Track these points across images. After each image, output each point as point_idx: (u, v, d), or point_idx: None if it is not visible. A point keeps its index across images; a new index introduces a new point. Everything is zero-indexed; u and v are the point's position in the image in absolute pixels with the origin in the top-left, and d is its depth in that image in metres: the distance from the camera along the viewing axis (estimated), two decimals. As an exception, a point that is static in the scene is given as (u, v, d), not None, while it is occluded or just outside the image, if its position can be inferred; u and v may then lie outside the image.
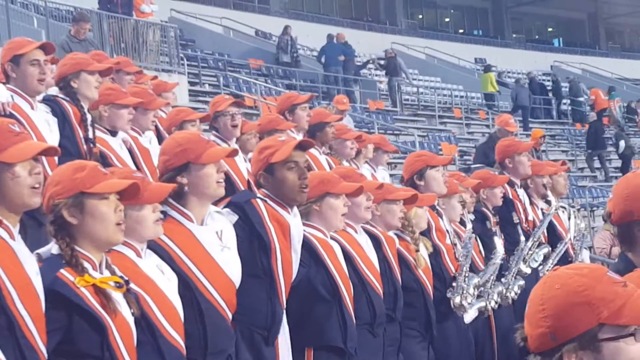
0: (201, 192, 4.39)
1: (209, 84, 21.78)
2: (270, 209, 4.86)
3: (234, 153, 4.84)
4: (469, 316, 6.71)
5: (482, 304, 6.84)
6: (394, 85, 26.83)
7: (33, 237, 3.79)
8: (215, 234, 4.45)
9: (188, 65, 21.18)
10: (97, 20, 17.28)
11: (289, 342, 5.08)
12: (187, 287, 4.25)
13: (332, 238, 5.41)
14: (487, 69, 31.25)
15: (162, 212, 4.21)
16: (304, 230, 5.19)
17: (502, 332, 7.31)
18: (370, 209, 5.70)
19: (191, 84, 20.49)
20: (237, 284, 4.49)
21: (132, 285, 3.85)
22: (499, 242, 7.24)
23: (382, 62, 27.82)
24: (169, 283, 4.10)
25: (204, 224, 4.44)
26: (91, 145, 6.17)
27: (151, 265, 4.08)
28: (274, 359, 4.93)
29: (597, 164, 25.41)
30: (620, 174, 25.25)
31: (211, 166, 4.41)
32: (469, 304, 6.62)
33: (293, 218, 4.96)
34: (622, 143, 25.09)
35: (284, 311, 4.96)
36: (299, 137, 7.80)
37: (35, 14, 17.19)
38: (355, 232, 5.68)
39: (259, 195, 4.92)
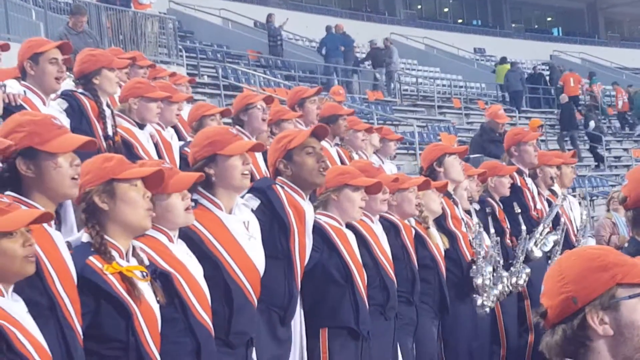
0: (227, 182, 4.64)
1: (208, 76, 21.75)
2: (288, 195, 5.14)
3: (259, 147, 5.06)
4: (490, 302, 6.82)
5: (500, 289, 6.99)
6: (389, 75, 26.83)
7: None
8: (243, 224, 4.71)
9: (187, 56, 21.17)
10: (96, 12, 17.26)
11: (303, 324, 5.37)
12: (216, 269, 4.51)
13: (349, 226, 5.67)
14: (503, 60, 31.27)
15: (193, 200, 4.47)
16: (320, 219, 5.49)
17: (509, 318, 7.44)
18: (386, 201, 5.98)
19: (190, 75, 20.42)
20: (262, 272, 4.74)
21: (164, 265, 4.11)
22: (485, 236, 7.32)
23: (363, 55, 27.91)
24: (197, 268, 4.32)
25: (232, 214, 4.69)
26: (111, 142, 6.30)
27: (182, 250, 4.32)
28: (289, 339, 5.20)
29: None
30: (590, 155, 25.51)
31: (237, 158, 4.65)
32: (489, 286, 6.81)
33: (307, 205, 5.24)
34: (591, 123, 25.58)
35: (299, 292, 5.21)
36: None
37: (34, 6, 17.14)
38: (372, 221, 5.94)
39: (277, 182, 5.18)
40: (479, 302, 6.80)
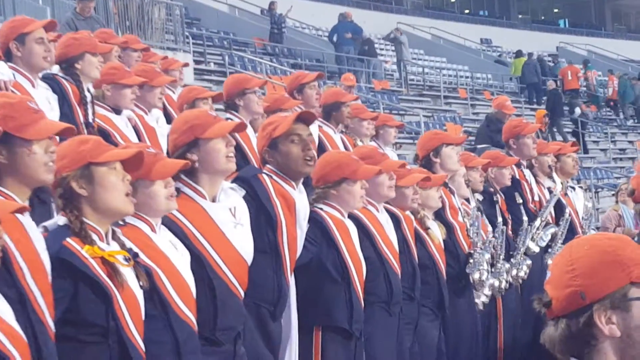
0: (211, 167, 4.41)
1: (214, 63, 21.73)
2: (276, 184, 4.90)
3: (241, 127, 4.79)
4: (485, 297, 6.76)
5: (496, 281, 6.90)
6: (399, 65, 26.82)
7: (38, 216, 3.83)
8: (229, 211, 4.48)
9: (193, 43, 21.11)
10: (103, -2, 17.23)
11: (296, 320, 5.13)
12: (199, 264, 4.28)
13: (352, 216, 5.46)
14: (519, 54, 31.25)
15: (176, 189, 4.23)
16: (320, 209, 5.27)
17: (509, 312, 7.36)
18: (392, 187, 5.76)
19: (196, 62, 20.42)
20: (249, 261, 4.53)
21: (145, 259, 3.89)
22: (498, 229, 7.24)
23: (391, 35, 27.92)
24: (182, 259, 4.12)
25: (217, 201, 4.46)
26: (91, 129, 6.17)
27: (165, 240, 4.11)
28: (279, 334, 4.98)
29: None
30: (574, 139, 25.52)
31: (219, 141, 4.42)
32: (486, 279, 6.70)
33: (298, 194, 5.00)
34: (577, 110, 25.50)
35: (289, 287, 5.00)
36: None
37: (41, -10, 17.11)
38: (377, 210, 5.73)
39: (264, 171, 4.95)
40: (482, 299, 6.73)
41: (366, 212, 5.64)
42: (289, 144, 4.91)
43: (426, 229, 6.29)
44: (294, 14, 28.39)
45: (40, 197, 4.07)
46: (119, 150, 3.88)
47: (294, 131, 4.91)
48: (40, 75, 6.02)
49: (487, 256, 6.78)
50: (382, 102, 21.68)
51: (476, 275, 6.61)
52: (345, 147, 7.66)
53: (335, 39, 25.58)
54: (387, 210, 5.89)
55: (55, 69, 6.41)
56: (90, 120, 6.23)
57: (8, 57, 5.84)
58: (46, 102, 5.86)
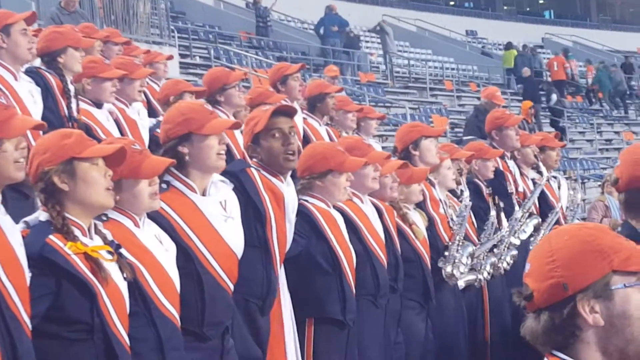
0: (202, 163, 4.38)
1: (200, 56, 21.69)
2: (264, 178, 4.89)
3: (236, 125, 4.84)
4: (460, 285, 6.76)
5: (473, 277, 6.90)
6: (385, 57, 26.83)
7: (18, 210, 3.85)
8: (219, 204, 4.46)
9: (179, 37, 21.08)
10: (88, -8, 17.16)
11: (292, 313, 5.15)
12: (187, 258, 4.27)
13: (337, 207, 5.44)
14: (509, 46, 31.36)
15: (165, 181, 4.24)
16: (306, 201, 5.27)
17: (495, 302, 7.38)
18: (377, 179, 5.74)
19: (182, 56, 20.39)
20: (240, 255, 4.51)
21: (127, 255, 3.85)
22: (502, 216, 7.24)
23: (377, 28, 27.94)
24: (166, 254, 4.09)
25: (207, 194, 4.44)
26: (75, 124, 6.14)
27: (149, 235, 4.08)
28: (268, 329, 4.96)
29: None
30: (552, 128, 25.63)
31: (213, 137, 4.39)
32: (461, 273, 6.66)
33: (287, 187, 4.98)
34: (553, 96, 25.60)
35: (279, 281, 4.99)
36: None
37: (25, -15, 17.03)
38: (362, 202, 5.73)
39: (252, 165, 4.94)
40: (449, 269, 6.59)
41: (351, 204, 5.62)
42: (270, 138, 4.88)
43: (410, 224, 6.27)
44: (280, 6, 28.35)
45: (23, 192, 4.05)
46: (102, 146, 3.84)
47: (274, 125, 4.87)
48: (23, 69, 6.00)
49: (470, 249, 6.75)
50: (367, 95, 21.68)
51: (448, 269, 6.57)
52: (331, 139, 7.67)
53: (322, 31, 25.56)
54: (370, 202, 5.88)
55: (37, 63, 6.39)
56: (75, 114, 6.21)
57: None
58: (29, 95, 5.86)
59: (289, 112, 5.02)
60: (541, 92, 26.15)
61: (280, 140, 4.87)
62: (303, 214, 5.20)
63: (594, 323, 2.25)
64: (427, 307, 6.35)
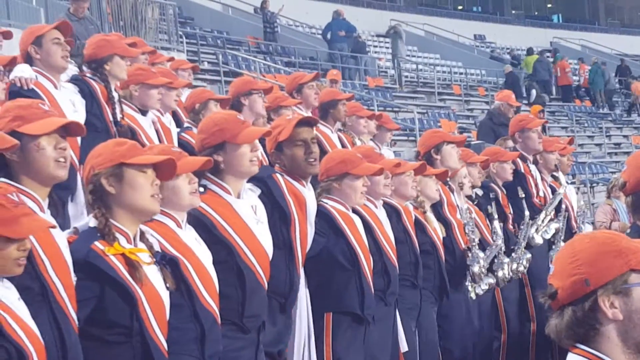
0: (236, 169, 4.67)
1: (208, 62, 21.72)
2: (288, 183, 5.17)
3: (267, 134, 5.10)
4: (480, 290, 6.86)
5: (492, 280, 7.05)
6: (395, 62, 26.86)
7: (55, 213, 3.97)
8: (251, 208, 4.74)
9: (187, 42, 21.12)
10: (96, -3, 17.21)
11: (309, 310, 5.43)
12: (229, 253, 4.57)
13: (354, 211, 5.73)
14: (530, 51, 31.57)
15: (202, 185, 4.48)
16: (326, 203, 5.58)
17: (509, 304, 7.46)
18: (388, 186, 6.08)
19: (190, 61, 20.36)
20: (270, 257, 4.81)
21: (172, 251, 4.09)
22: (497, 225, 7.33)
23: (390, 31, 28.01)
24: (205, 254, 4.33)
25: (241, 198, 4.73)
26: (119, 127, 6.34)
27: (190, 236, 4.33)
28: (287, 324, 5.22)
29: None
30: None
31: (246, 146, 4.67)
32: (484, 274, 6.89)
33: (308, 192, 5.27)
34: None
35: (300, 280, 5.26)
36: (308, 114, 7.92)
37: (34, -8, 17.09)
38: (375, 207, 6.03)
39: (277, 170, 5.21)
40: (479, 289, 6.87)
41: (366, 208, 5.92)
42: (293, 147, 5.14)
43: (424, 212, 6.55)
44: (287, 12, 28.38)
45: (58, 195, 4.19)
46: (150, 156, 4.03)
47: (298, 135, 5.14)
48: (67, 77, 6.23)
49: (482, 254, 6.93)
50: (376, 100, 21.69)
51: (476, 269, 6.80)
52: (343, 146, 7.86)
53: (329, 36, 25.60)
54: (388, 204, 6.22)
55: (75, 71, 6.55)
56: (119, 118, 6.39)
57: (30, 63, 6.03)
58: (70, 104, 6.06)
59: (311, 122, 5.31)
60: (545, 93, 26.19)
61: (302, 149, 5.15)
62: (322, 213, 5.49)
63: (613, 317, 2.44)
64: (438, 301, 6.61)
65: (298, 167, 5.15)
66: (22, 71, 5.86)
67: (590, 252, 2.48)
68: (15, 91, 5.64)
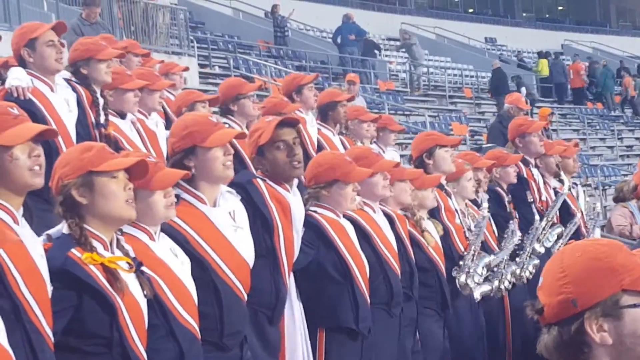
0: (208, 175, 4.38)
1: (219, 66, 21.76)
2: (270, 188, 4.88)
3: (241, 136, 4.84)
4: (475, 296, 6.75)
5: (488, 288, 6.84)
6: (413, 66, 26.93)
7: (43, 220, 3.82)
8: (229, 215, 4.47)
9: (198, 47, 21.14)
10: (107, 3, 17.24)
11: (303, 324, 5.16)
12: (202, 269, 4.28)
13: (347, 217, 5.44)
14: (547, 54, 31.58)
15: (175, 195, 4.20)
16: (314, 212, 5.27)
17: (516, 311, 7.35)
18: (387, 187, 5.76)
19: (201, 66, 20.46)
20: (251, 264, 4.53)
21: (144, 269, 3.85)
22: (514, 226, 7.23)
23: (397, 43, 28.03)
24: (182, 266, 4.10)
25: (217, 205, 4.44)
26: (102, 128, 6.21)
27: (164, 248, 4.09)
28: (278, 339, 4.99)
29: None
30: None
31: (217, 149, 4.38)
32: (476, 283, 6.64)
33: (293, 197, 4.97)
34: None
35: (287, 290, 4.99)
36: (308, 116, 7.84)
37: (45, -3, 17.15)
38: (374, 211, 5.74)
39: (258, 175, 4.95)
40: (462, 278, 6.57)
41: (362, 213, 5.64)
42: (275, 150, 4.87)
43: (422, 231, 6.27)
44: (297, 16, 28.41)
45: (48, 202, 4.09)
46: (120, 159, 3.82)
47: (279, 137, 4.86)
48: (60, 78, 6.06)
49: (487, 260, 6.73)
50: (387, 103, 21.68)
51: (462, 279, 6.54)
52: (345, 149, 7.66)
53: (339, 40, 25.60)
54: (382, 211, 5.88)
55: (68, 74, 6.48)
56: (102, 121, 6.26)
57: (22, 65, 5.88)
58: (65, 104, 5.93)
59: (293, 123, 5.01)
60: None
61: (285, 152, 4.87)
62: (310, 224, 5.19)
63: (600, 342, 2.22)
64: (444, 315, 6.36)
65: (282, 171, 4.86)
66: (18, 79, 5.69)
67: (579, 269, 2.25)
68: (12, 101, 5.40)
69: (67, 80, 6.23)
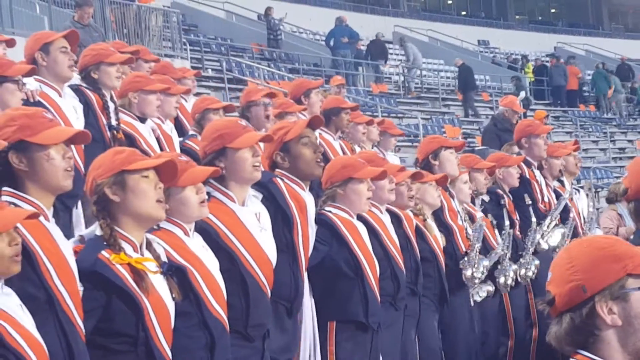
0: (238, 175, 4.67)
1: (212, 69, 21.74)
2: (288, 187, 5.16)
3: (267, 138, 5.07)
4: (477, 297, 6.83)
5: (491, 288, 7.02)
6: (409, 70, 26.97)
7: (62, 221, 4.09)
8: (255, 216, 4.73)
9: (191, 50, 21.15)
10: (100, 5, 17.23)
11: (314, 318, 5.42)
12: (232, 262, 4.57)
13: (360, 218, 5.69)
14: (528, 59, 31.79)
15: (207, 193, 4.44)
16: (329, 212, 5.54)
17: (517, 310, 7.45)
18: (393, 191, 6.01)
19: (194, 69, 20.35)
20: (274, 264, 4.79)
21: (180, 260, 4.10)
22: (507, 233, 7.29)
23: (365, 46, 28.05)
24: (213, 261, 4.34)
25: (246, 205, 4.75)
26: (115, 131, 6.36)
27: (198, 244, 4.33)
28: (296, 331, 5.23)
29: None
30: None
31: (246, 150, 4.67)
32: (479, 279, 6.82)
33: (308, 196, 5.28)
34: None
35: (304, 284, 5.25)
36: None
37: (38, 0, 17.14)
38: (380, 212, 6.00)
39: (277, 175, 5.19)
40: (478, 296, 6.82)
41: (371, 213, 5.86)
42: (301, 146, 5.16)
43: (424, 220, 6.51)
44: (290, 18, 28.40)
45: (65, 204, 4.20)
46: (151, 159, 4.02)
47: (305, 134, 5.16)
48: (66, 85, 6.21)
49: (486, 263, 6.87)
50: (380, 106, 21.69)
51: (468, 272, 6.75)
52: (344, 153, 7.82)
53: (332, 43, 25.62)
54: (389, 210, 6.14)
55: (78, 79, 6.59)
56: (114, 123, 6.40)
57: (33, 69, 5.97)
58: (73, 111, 6.09)
59: (315, 125, 5.33)
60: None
61: (310, 148, 5.16)
62: (324, 222, 5.47)
63: (612, 323, 2.42)
64: (439, 309, 6.57)
65: (305, 166, 5.15)
66: (28, 83, 5.84)
67: (586, 258, 2.46)
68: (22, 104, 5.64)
69: (77, 87, 6.39)
